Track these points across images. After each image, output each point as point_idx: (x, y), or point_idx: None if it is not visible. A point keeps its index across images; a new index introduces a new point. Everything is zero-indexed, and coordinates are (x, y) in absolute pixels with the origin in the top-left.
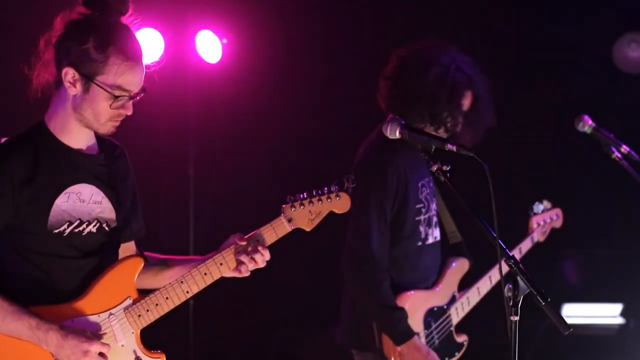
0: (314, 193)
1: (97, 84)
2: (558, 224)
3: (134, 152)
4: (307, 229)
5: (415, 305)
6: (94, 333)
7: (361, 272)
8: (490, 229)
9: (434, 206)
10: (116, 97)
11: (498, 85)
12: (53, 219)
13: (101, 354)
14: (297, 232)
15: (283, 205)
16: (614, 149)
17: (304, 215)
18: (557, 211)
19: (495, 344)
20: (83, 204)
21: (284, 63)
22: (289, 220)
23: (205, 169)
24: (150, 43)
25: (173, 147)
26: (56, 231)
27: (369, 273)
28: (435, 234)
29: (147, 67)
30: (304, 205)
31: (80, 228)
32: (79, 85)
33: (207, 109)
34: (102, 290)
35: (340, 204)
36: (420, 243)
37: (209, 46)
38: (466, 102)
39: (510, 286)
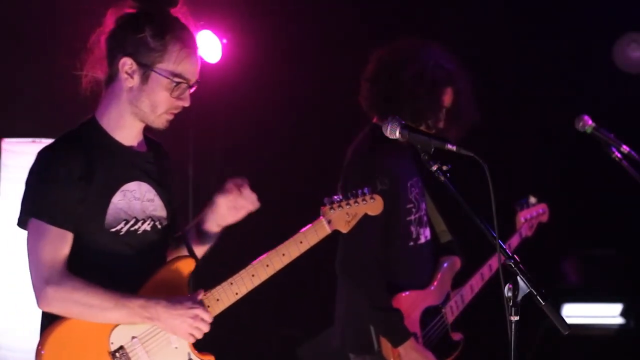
0: (349, 195)
1: (156, 72)
2: (544, 218)
3: None
4: (344, 231)
5: (412, 305)
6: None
7: (355, 276)
8: (490, 229)
9: (423, 206)
10: (177, 84)
11: (498, 85)
12: (110, 217)
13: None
14: (296, 231)
15: (322, 207)
16: (614, 149)
17: (342, 217)
18: (543, 206)
19: (495, 343)
20: (138, 202)
21: (284, 63)
22: (329, 222)
23: (205, 169)
24: None
25: (173, 147)
26: (113, 230)
27: (362, 276)
28: (426, 234)
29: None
30: (341, 207)
31: (136, 226)
32: (136, 76)
33: (207, 109)
34: (155, 291)
35: (374, 206)
36: (412, 243)
37: (209, 46)
38: (447, 98)
39: (510, 286)
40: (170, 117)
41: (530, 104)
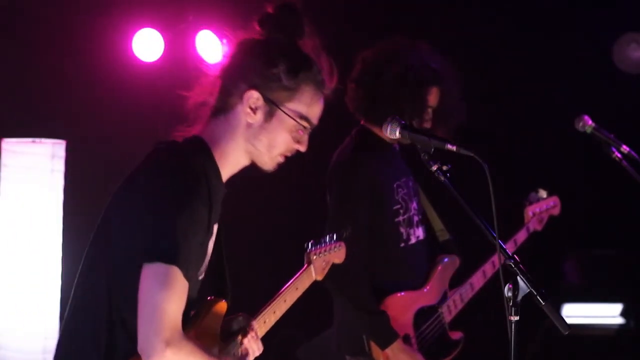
0: (322, 243)
1: (284, 112)
2: (556, 211)
3: (133, 154)
4: (319, 278)
5: (404, 307)
6: None
7: (340, 280)
8: (490, 229)
9: (413, 205)
10: (303, 128)
11: (498, 86)
12: (205, 264)
13: None
14: (295, 231)
15: (307, 254)
16: (614, 149)
17: (320, 265)
18: (554, 199)
19: (494, 343)
20: (210, 248)
21: None
22: (314, 269)
23: None
24: (150, 43)
25: None
26: (200, 278)
27: (347, 280)
28: (417, 234)
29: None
30: (321, 254)
31: (202, 275)
32: (259, 112)
33: None
34: (200, 337)
35: (340, 254)
36: (402, 244)
37: (209, 46)
38: (432, 98)
39: (510, 286)
40: (282, 159)
41: (530, 103)
